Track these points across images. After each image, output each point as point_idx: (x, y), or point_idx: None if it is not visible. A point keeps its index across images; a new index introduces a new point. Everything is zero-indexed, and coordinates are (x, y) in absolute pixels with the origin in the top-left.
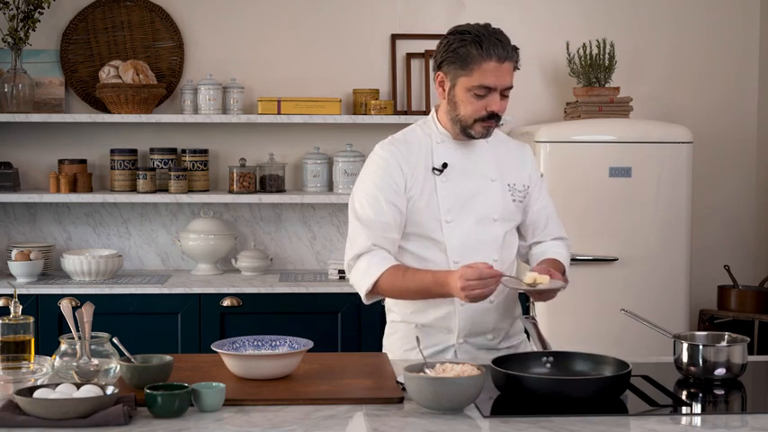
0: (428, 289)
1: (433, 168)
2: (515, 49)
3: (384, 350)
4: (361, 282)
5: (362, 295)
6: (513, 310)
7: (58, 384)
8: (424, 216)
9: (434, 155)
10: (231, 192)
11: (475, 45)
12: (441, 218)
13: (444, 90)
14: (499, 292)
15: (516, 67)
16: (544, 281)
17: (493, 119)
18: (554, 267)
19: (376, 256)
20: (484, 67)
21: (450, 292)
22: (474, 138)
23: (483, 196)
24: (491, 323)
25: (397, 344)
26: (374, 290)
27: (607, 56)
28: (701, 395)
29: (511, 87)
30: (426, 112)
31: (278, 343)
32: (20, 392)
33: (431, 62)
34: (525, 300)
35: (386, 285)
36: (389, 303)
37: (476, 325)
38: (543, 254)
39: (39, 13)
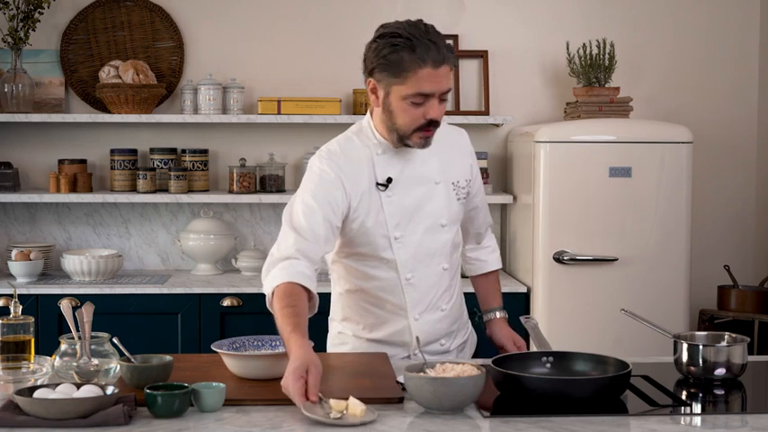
0: (282, 332)
1: (378, 184)
2: (450, 49)
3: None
4: (267, 288)
5: (267, 303)
6: (462, 312)
7: (58, 384)
8: (371, 235)
9: (376, 168)
10: (231, 192)
11: (407, 50)
12: (389, 234)
13: (378, 98)
14: (450, 298)
15: (452, 69)
16: (356, 412)
17: (432, 126)
18: (491, 290)
19: (293, 266)
20: (419, 74)
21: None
22: (411, 147)
23: (429, 203)
24: (444, 329)
25: None
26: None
27: (607, 56)
28: (701, 395)
29: (449, 90)
30: None
31: (278, 343)
32: (20, 392)
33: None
34: (525, 300)
35: (273, 302)
36: (336, 316)
37: (431, 334)
38: (481, 265)
39: (39, 13)
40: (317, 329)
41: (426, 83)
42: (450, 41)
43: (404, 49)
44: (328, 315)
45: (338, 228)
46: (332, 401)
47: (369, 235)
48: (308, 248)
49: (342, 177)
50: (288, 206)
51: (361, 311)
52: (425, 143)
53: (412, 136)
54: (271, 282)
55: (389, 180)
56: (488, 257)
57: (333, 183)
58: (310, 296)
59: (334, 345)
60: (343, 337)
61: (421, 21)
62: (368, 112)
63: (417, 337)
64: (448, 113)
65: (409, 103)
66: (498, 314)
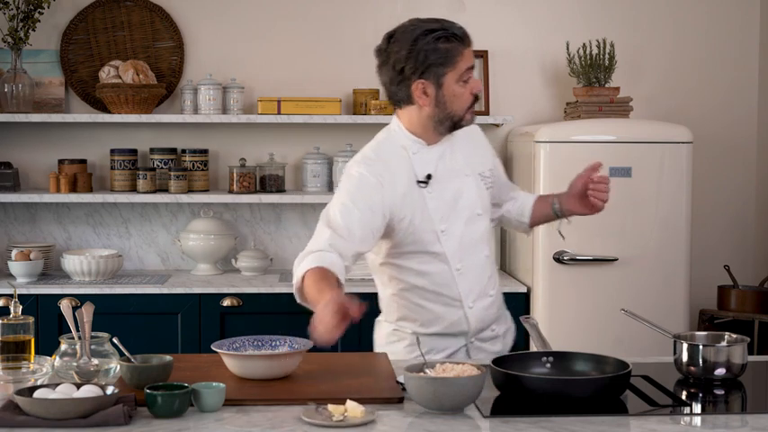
0: (312, 302)
1: (418, 181)
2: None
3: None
4: (295, 276)
5: (294, 291)
6: (502, 298)
7: (58, 384)
8: (419, 232)
9: (415, 166)
10: (231, 192)
11: (444, 40)
12: (435, 229)
13: (428, 96)
14: (494, 284)
15: None
16: (356, 414)
17: (476, 101)
18: (547, 197)
19: (324, 255)
20: (463, 52)
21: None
22: (464, 126)
23: (464, 195)
24: (493, 315)
25: (405, 351)
26: (302, 285)
27: (607, 56)
28: (701, 395)
29: None
30: None
31: (278, 343)
32: (20, 392)
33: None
34: (525, 300)
35: (304, 286)
36: (390, 317)
37: (484, 320)
38: (523, 202)
39: (39, 13)
40: (372, 330)
41: (468, 58)
42: None
43: (441, 41)
44: (375, 317)
45: (377, 229)
46: (330, 407)
47: (417, 232)
48: (342, 245)
49: (382, 181)
50: (325, 208)
51: (418, 309)
52: (473, 118)
53: (465, 116)
54: (301, 270)
55: (429, 176)
56: (520, 194)
57: (373, 186)
58: (339, 285)
59: (389, 342)
60: (399, 333)
61: (419, 17)
62: (393, 117)
63: (417, 337)
64: None
65: (462, 81)
66: (557, 195)
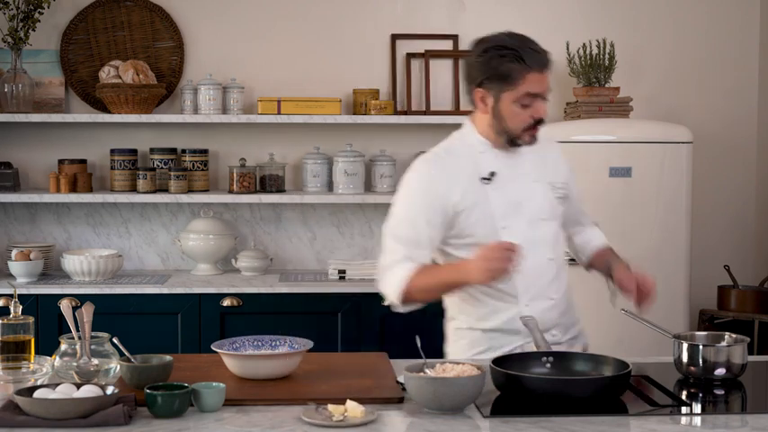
0: (448, 279)
1: (482, 177)
2: (547, 54)
3: (449, 356)
4: (394, 286)
5: (397, 303)
6: (572, 306)
7: (58, 384)
8: (480, 226)
9: (480, 164)
10: (231, 192)
11: (515, 60)
12: (496, 224)
13: (486, 105)
14: (558, 288)
15: (550, 71)
16: (357, 414)
17: (539, 125)
18: (608, 256)
19: (404, 266)
20: (528, 78)
21: (468, 277)
22: (521, 146)
23: (530, 198)
24: (554, 319)
25: (464, 348)
26: (406, 297)
27: (607, 56)
28: (701, 395)
29: (550, 91)
30: (426, 112)
31: (278, 343)
32: (20, 392)
33: (460, 74)
34: None
35: (415, 289)
36: (452, 312)
37: (542, 322)
38: (588, 242)
39: (39, 13)
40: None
41: (534, 85)
42: (449, 41)
43: (512, 60)
44: (443, 317)
45: (441, 223)
46: (330, 407)
47: (478, 225)
48: (419, 254)
49: (445, 175)
50: (390, 217)
51: (474, 302)
52: (533, 140)
53: (522, 135)
54: (399, 281)
55: (493, 174)
56: (592, 235)
57: (435, 181)
58: None
59: (452, 341)
60: (460, 332)
61: (515, 33)
62: (468, 117)
63: (417, 336)
64: (447, 113)
65: (519, 105)
66: (615, 263)
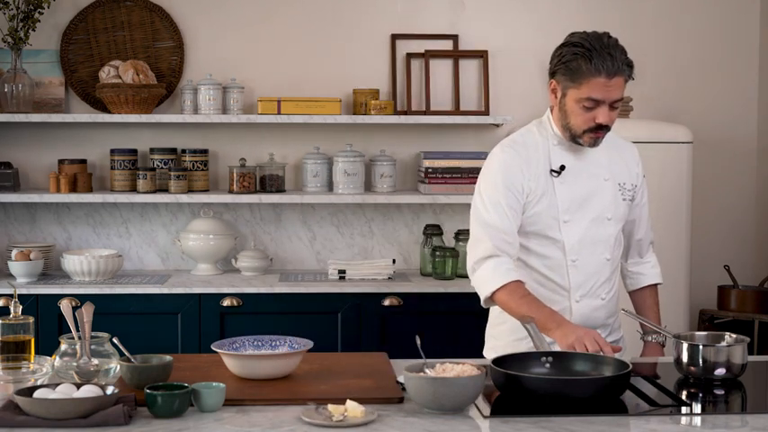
0: (532, 315)
1: (551, 170)
2: (627, 63)
3: (487, 338)
4: (482, 287)
5: (482, 300)
6: (618, 310)
7: (58, 384)
8: (543, 216)
9: (552, 156)
10: (231, 192)
11: (585, 59)
12: (559, 218)
13: (556, 97)
14: (609, 290)
15: (628, 80)
16: (357, 414)
17: (602, 130)
18: (647, 310)
19: (501, 264)
20: (592, 81)
21: (551, 333)
22: (582, 146)
23: (597, 196)
24: (601, 319)
25: (505, 333)
26: (492, 297)
27: None
28: (701, 395)
29: (621, 99)
30: (426, 112)
31: (278, 343)
32: (20, 392)
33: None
34: None
35: (502, 299)
36: None
37: (589, 319)
38: (638, 282)
39: (39, 13)
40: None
41: (598, 90)
42: (449, 41)
43: (582, 58)
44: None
45: (519, 209)
46: (330, 407)
47: (541, 215)
48: (507, 247)
49: (520, 162)
50: (474, 199)
51: None
52: (594, 143)
53: (583, 135)
54: (489, 284)
55: (562, 167)
56: (648, 271)
57: (512, 168)
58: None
59: (494, 325)
60: (503, 316)
61: (606, 33)
62: (548, 109)
63: (418, 335)
64: (447, 113)
65: (581, 106)
66: (649, 338)
